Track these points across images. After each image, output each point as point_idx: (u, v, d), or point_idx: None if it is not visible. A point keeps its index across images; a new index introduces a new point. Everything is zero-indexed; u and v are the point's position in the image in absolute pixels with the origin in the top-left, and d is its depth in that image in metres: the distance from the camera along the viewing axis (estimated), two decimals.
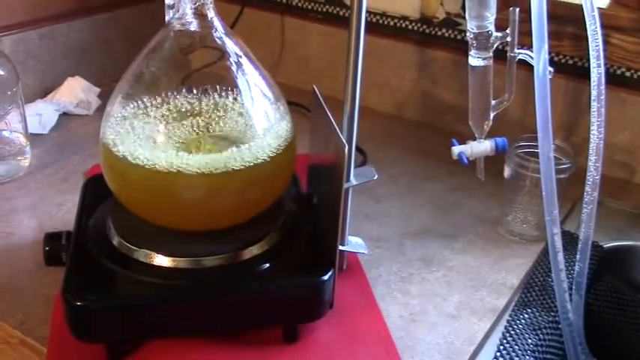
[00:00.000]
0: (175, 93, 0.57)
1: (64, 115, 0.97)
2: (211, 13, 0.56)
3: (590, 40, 0.65)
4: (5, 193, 0.79)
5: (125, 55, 1.08)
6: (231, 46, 0.57)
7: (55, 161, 0.87)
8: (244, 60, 0.59)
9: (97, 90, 1.01)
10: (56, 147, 0.90)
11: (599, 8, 0.82)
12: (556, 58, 0.91)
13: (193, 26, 0.56)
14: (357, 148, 0.88)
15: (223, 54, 0.57)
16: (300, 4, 1.10)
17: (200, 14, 0.56)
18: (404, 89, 1.04)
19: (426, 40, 1.00)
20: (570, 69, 0.90)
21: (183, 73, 0.59)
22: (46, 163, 0.86)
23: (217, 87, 0.58)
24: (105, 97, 1.00)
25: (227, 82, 0.58)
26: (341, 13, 1.07)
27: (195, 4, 0.55)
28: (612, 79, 0.88)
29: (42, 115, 0.93)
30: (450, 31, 0.98)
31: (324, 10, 1.08)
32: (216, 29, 0.57)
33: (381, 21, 1.03)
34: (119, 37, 1.09)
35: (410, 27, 1.01)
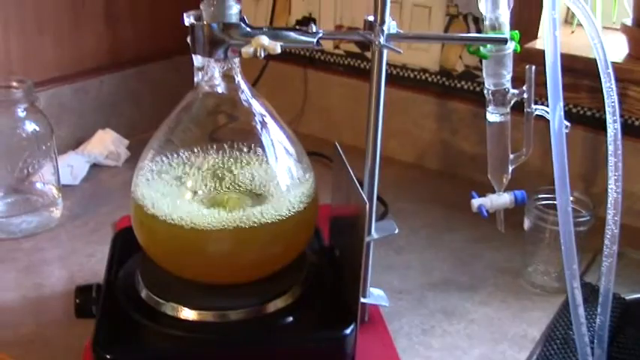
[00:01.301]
0: (203, 151, 0.60)
1: (95, 166, 1.01)
2: (238, 77, 0.58)
3: (605, 96, 0.66)
4: (37, 245, 0.82)
5: (153, 108, 1.13)
6: (256, 106, 0.60)
7: (85, 212, 0.89)
8: (269, 119, 0.61)
9: (126, 142, 1.04)
10: (86, 198, 0.93)
11: (615, 63, 0.84)
12: (574, 110, 0.93)
13: (221, 88, 0.59)
14: (379, 198, 0.90)
15: (247, 114, 0.59)
16: (322, 58, 1.13)
17: (228, 77, 0.58)
18: (424, 139, 1.06)
19: (446, 92, 1.02)
20: (588, 120, 0.92)
21: (211, 131, 0.61)
22: (76, 214, 0.89)
23: (243, 145, 0.60)
24: (133, 148, 1.05)
25: (252, 141, 0.60)
26: (362, 66, 1.10)
27: (224, 68, 0.57)
28: (630, 131, 0.89)
29: (73, 166, 0.96)
30: (469, 84, 1.00)
31: (346, 63, 1.11)
32: (243, 91, 0.59)
33: (401, 73, 1.06)
34: (147, 90, 1.13)
35: (430, 79, 1.04)
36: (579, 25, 0.93)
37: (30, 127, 0.81)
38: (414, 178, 1.04)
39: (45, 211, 0.85)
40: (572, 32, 0.93)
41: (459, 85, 1.01)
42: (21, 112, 0.80)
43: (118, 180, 0.99)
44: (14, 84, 0.81)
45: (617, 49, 0.89)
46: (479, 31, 0.96)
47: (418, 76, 1.05)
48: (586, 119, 0.92)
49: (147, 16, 1.13)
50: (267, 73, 1.12)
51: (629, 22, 0.87)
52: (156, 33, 1.14)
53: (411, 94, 1.05)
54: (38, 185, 0.86)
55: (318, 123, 1.16)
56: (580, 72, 0.87)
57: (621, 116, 0.88)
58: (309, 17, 1.11)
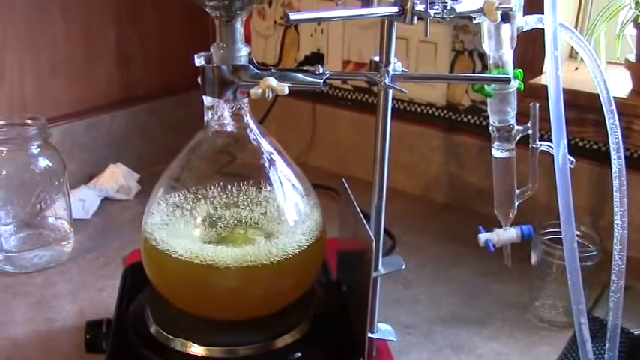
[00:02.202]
0: (212, 189, 0.61)
1: (106, 200, 1.02)
2: (247, 116, 0.60)
3: (609, 133, 0.67)
4: (48, 279, 0.83)
5: (163, 142, 1.15)
6: (264, 145, 0.61)
7: (96, 246, 0.90)
8: (276, 156, 0.62)
9: (137, 176, 1.06)
10: (98, 232, 0.94)
11: (619, 98, 0.85)
12: (580, 144, 0.94)
13: (230, 127, 0.60)
14: (386, 231, 0.91)
15: (256, 153, 0.60)
16: (330, 92, 1.15)
17: (237, 116, 0.60)
18: (431, 172, 1.07)
19: (452, 126, 1.04)
20: (594, 154, 0.92)
21: (221, 170, 0.62)
22: (87, 248, 0.90)
23: (252, 183, 0.62)
24: (144, 182, 1.06)
25: (261, 178, 0.61)
26: (369, 101, 1.11)
27: (233, 108, 0.59)
28: (636, 164, 0.90)
29: (85, 200, 0.98)
30: (476, 118, 1.01)
31: (354, 97, 1.13)
32: (252, 130, 0.61)
33: (408, 108, 1.07)
34: (157, 125, 1.15)
35: (436, 113, 1.05)
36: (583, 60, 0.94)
37: (43, 163, 0.83)
38: (422, 211, 1.04)
39: (57, 245, 0.86)
40: (577, 68, 0.94)
41: (465, 120, 1.03)
42: (35, 149, 0.82)
43: (129, 214, 1.00)
44: (28, 121, 0.83)
45: (621, 83, 0.91)
46: (484, 66, 0.97)
47: (425, 111, 1.06)
48: (591, 153, 0.93)
49: (157, 55, 1.15)
50: (276, 107, 1.14)
51: (632, 57, 0.88)
52: (166, 70, 1.17)
53: (419, 128, 1.06)
54: (50, 220, 0.88)
55: (326, 156, 1.17)
56: (585, 107, 0.88)
57: (627, 150, 0.89)
58: (317, 53, 1.13)
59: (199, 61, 0.59)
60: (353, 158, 1.13)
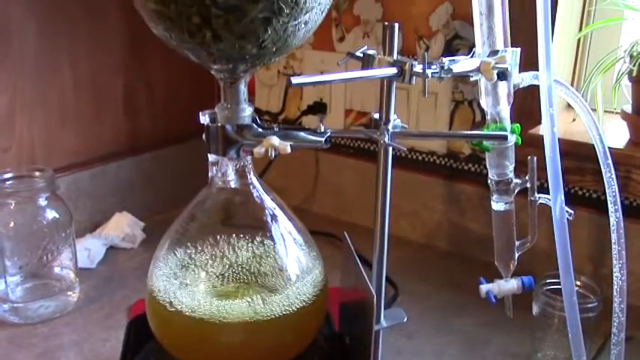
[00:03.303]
0: (216, 244, 0.62)
1: (111, 249, 1.03)
2: (250, 174, 0.61)
3: (606, 186, 0.69)
4: (53, 329, 0.83)
5: (168, 190, 1.17)
6: (268, 201, 0.63)
7: (101, 296, 0.91)
8: (279, 212, 0.63)
9: (142, 224, 1.07)
10: (103, 281, 0.95)
11: (617, 149, 0.86)
12: (580, 192, 0.95)
13: (234, 183, 0.62)
14: (388, 280, 0.92)
15: (259, 209, 0.62)
16: (333, 140, 1.16)
17: (241, 173, 0.61)
18: (433, 220, 1.08)
19: (453, 174, 1.05)
20: (594, 202, 0.93)
21: (225, 226, 0.63)
22: (92, 298, 0.90)
23: (255, 239, 0.63)
24: (149, 230, 1.07)
25: (264, 234, 0.63)
26: (372, 148, 1.13)
27: (236, 166, 0.60)
28: (635, 213, 0.90)
29: (91, 250, 0.99)
30: (476, 166, 1.03)
31: (356, 145, 1.15)
32: (254, 186, 0.62)
33: (410, 156, 1.09)
34: (163, 172, 1.17)
35: (438, 162, 1.07)
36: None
37: (50, 214, 0.84)
38: (424, 258, 1.05)
39: (62, 295, 0.87)
40: (574, 120, 0.96)
41: (466, 168, 1.04)
42: (42, 201, 0.83)
43: (134, 262, 1.01)
44: (36, 173, 0.84)
45: (618, 133, 0.92)
46: (484, 116, 0.99)
47: (426, 159, 1.08)
48: (591, 201, 0.94)
49: (164, 104, 1.18)
50: (281, 155, 1.16)
51: (629, 108, 0.90)
52: (172, 119, 1.19)
53: (420, 176, 1.07)
54: (56, 270, 0.89)
55: (329, 203, 1.19)
56: (583, 156, 0.89)
57: (626, 199, 0.90)
58: (320, 102, 1.15)
59: (204, 118, 0.61)
60: (356, 205, 1.15)
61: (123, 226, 1.05)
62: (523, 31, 0.84)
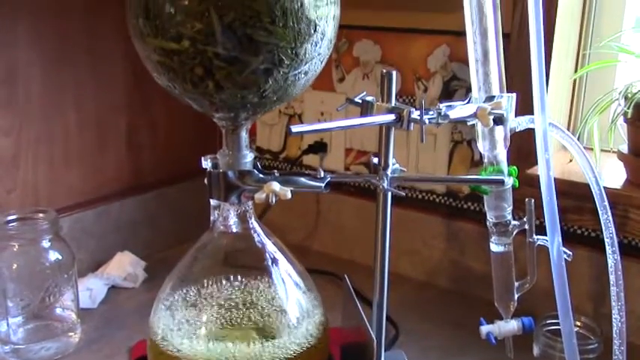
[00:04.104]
0: (217, 289, 0.63)
1: (112, 288, 1.03)
2: (252, 219, 0.62)
3: (603, 228, 0.69)
4: None
5: (170, 228, 1.18)
6: (269, 245, 0.63)
7: (102, 337, 0.91)
8: (280, 256, 0.64)
9: (144, 264, 1.08)
10: (104, 321, 0.95)
11: (614, 189, 0.87)
12: (579, 231, 0.95)
13: (235, 228, 0.62)
14: (390, 320, 0.92)
15: (260, 253, 0.62)
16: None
17: (242, 217, 0.62)
18: (434, 258, 1.08)
19: (453, 213, 1.06)
20: (593, 241, 0.94)
21: (226, 269, 0.64)
22: (93, 339, 0.90)
23: (256, 283, 0.63)
24: (151, 269, 1.08)
25: (265, 278, 0.63)
26: (372, 187, 1.13)
27: (238, 210, 0.61)
28: (634, 252, 0.91)
29: (92, 289, 0.99)
30: (475, 205, 1.04)
31: (357, 184, 1.16)
32: (255, 230, 0.63)
33: (410, 194, 1.10)
34: (165, 211, 1.17)
35: (437, 200, 1.07)
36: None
37: (53, 256, 0.85)
38: (425, 297, 1.05)
39: (64, 336, 0.87)
40: (571, 160, 0.97)
41: (465, 206, 1.05)
42: (46, 243, 0.84)
43: (135, 302, 1.01)
44: (40, 215, 0.85)
45: (616, 172, 0.93)
46: (482, 155, 1.00)
47: (426, 197, 1.08)
48: (590, 240, 0.94)
49: (167, 143, 1.19)
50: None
51: (625, 148, 0.91)
52: (175, 158, 1.20)
53: (420, 214, 1.08)
54: (58, 311, 0.89)
55: (330, 240, 1.19)
56: (581, 196, 0.90)
57: (624, 237, 0.91)
58: (320, 142, 1.17)
59: (206, 163, 0.62)
60: (357, 243, 1.15)
61: (125, 266, 1.05)
62: (518, 76, 0.86)
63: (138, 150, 1.15)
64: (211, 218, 0.64)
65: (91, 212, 1.07)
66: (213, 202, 0.64)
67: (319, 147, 1.16)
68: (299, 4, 0.51)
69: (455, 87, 1.02)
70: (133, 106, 1.12)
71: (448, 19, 0.99)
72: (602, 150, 0.97)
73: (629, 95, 0.85)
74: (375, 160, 0.63)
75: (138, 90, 1.11)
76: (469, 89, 0.70)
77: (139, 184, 1.15)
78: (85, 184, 1.08)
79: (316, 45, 0.54)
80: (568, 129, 1.02)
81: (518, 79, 0.86)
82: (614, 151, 0.96)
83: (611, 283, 0.68)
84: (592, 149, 0.91)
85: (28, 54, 0.96)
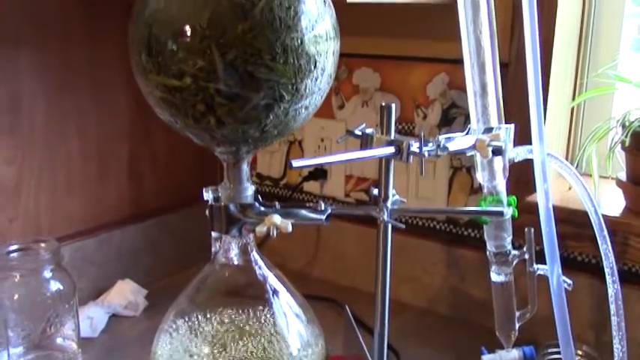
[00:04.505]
0: (218, 320, 0.63)
1: (114, 317, 1.03)
2: (253, 251, 0.62)
3: (603, 257, 0.70)
4: None
5: (171, 255, 1.18)
6: (270, 278, 0.64)
7: None
8: (281, 287, 0.65)
9: (145, 292, 1.08)
10: (105, 350, 0.95)
11: (613, 217, 0.87)
12: (579, 258, 0.95)
13: (236, 260, 0.63)
14: (390, 347, 0.92)
15: (261, 286, 0.63)
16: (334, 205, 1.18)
17: (243, 249, 0.63)
18: (435, 285, 1.08)
19: (454, 240, 1.06)
20: (593, 268, 0.94)
21: (228, 301, 0.64)
22: None
23: (257, 314, 0.64)
24: (152, 297, 1.08)
25: (266, 310, 0.63)
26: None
27: (239, 244, 0.62)
28: (634, 279, 0.91)
29: (93, 318, 0.99)
30: (476, 232, 1.04)
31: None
32: (257, 263, 0.63)
33: (410, 221, 1.10)
34: (166, 238, 1.18)
35: (438, 227, 1.08)
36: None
37: (54, 286, 0.85)
38: (426, 324, 1.05)
39: None
40: (570, 188, 0.97)
41: (465, 233, 1.05)
42: (47, 273, 0.84)
43: (136, 331, 1.01)
44: (42, 245, 0.85)
45: (615, 198, 0.93)
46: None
47: (426, 224, 1.09)
48: (591, 267, 0.94)
49: (168, 170, 1.20)
50: None
51: (623, 175, 0.91)
52: (176, 184, 1.21)
53: (421, 241, 1.08)
54: (59, 340, 0.89)
55: (330, 267, 1.19)
56: (581, 224, 0.90)
57: (624, 264, 0.91)
58: (320, 168, 1.17)
59: (207, 195, 0.62)
60: (357, 270, 1.15)
61: (126, 294, 1.05)
62: (517, 104, 0.86)
63: (139, 177, 1.16)
64: (213, 250, 0.65)
65: (92, 240, 1.07)
66: (214, 233, 0.64)
67: (320, 174, 1.17)
68: (299, 41, 0.52)
69: (454, 114, 1.03)
70: (134, 134, 1.13)
71: (447, 47, 1.00)
72: (601, 176, 0.97)
73: (627, 123, 0.86)
74: (375, 191, 0.64)
75: (140, 118, 1.12)
76: (468, 117, 0.71)
77: (140, 211, 1.16)
78: (86, 211, 1.08)
79: (316, 80, 0.55)
80: (567, 156, 1.03)
81: (516, 107, 0.87)
82: (612, 178, 0.97)
83: (612, 312, 0.68)
84: (591, 175, 0.91)
85: (31, 83, 0.97)
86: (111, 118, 1.09)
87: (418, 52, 1.05)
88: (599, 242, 0.69)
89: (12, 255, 0.84)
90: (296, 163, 0.53)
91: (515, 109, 0.86)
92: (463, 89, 0.99)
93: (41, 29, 0.97)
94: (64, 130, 1.03)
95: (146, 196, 1.17)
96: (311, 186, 1.19)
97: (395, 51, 1.07)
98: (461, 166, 1.03)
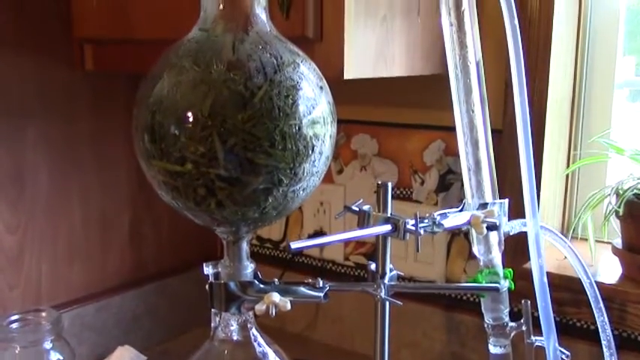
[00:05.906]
0: None
1: None
2: (252, 328, 0.63)
3: (600, 330, 0.70)
4: None
5: (171, 320, 1.18)
6: (270, 354, 0.64)
7: None
8: None
9: (144, 358, 1.07)
10: None
11: (610, 285, 0.88)
12: (578, 324, 0.96)
13: (236, 336, 0.63)
14: None
15: None
16: (333, 269, 1.19)
17: (243, 326, 0.63)
18: (435, 350, 1.08)
19: (453, 305, 1.06)
20: (592, 334, 0.94)
21: None
22: None
23: None
24: None
25: None
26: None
27: (238, 320, 0.62)
28: (633, 345, 0.91)
29: None
30: (475, 297, 1.04)
31: (356, 273, 1.17)
32: (256, 339, 0.64)
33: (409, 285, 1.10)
34: (165, 302, 1.18)
35: (436, 291, 1.08)
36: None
37: (54, 357, 0.85)
38: None
39: None
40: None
41: (464, 298, 1.05)
42: (47, 344, 0.85)
43: None
44: (43, 314, 0.86)
45: (611, 265, 0.94)
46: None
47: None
48: (589, 334, 0.94)
49: (169, 234, 1.21)
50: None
51: (619, 243, 0.92)
52: (177, 249, 1.22)
53: (420, 305, 1.08)
54: None
55: (330, 331, 1.19)
56: (578, 291, 0.91)
57: (623, 331, 0.91)
58: (319, 231, 1.19)
59: (208, 270, 0.63)
60: (357, 333, 1.15)
61: None
62: (510, 182, 0.88)
63: (139, 243, 1.17)
64: (212, 325, 0.65)
65: (91, 306, 1.08)
66: (214, 310, 0.65)
67: (319, 235, 1.18)
68: (297, 128, 0.54)
69: (451, 180, 1.04)
70: (136, 203, 1.15)
71: (442, 115, 1.02)
72: (597, 241, 0.98)
73: (620, 192, 0.88)
74: (373, 266, 0.65)
75: (142, 188, 1.14)
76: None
77: (139, 276, 1.16)
78: (86, 279, 1.09)
79: (314, 163, 0.56)
80: (563, 222, 1.04)
81: (510, 176, 0.88)
82: (608, 242, 0.98)
83: None
84: (587, 239, 0.92)
85: (36, 156, 1.00)
86: (114, 190, 1.11)
87: (414, 119, 1.07)
88: (596, 314, 0.70)
89: (12, 326, 0.85)
90: (294, 245, 0.54)
91: (508, 186, 0.88)
92: (459, 156, 1.01)
93: (47, 103, 1.00)
94: (66, 202, 1.05)
95: (146, 261, 1.18)
96: (311, 249, 1.20)
97: (391, 118, 1.09)
98: (459, 232, 1.04)
